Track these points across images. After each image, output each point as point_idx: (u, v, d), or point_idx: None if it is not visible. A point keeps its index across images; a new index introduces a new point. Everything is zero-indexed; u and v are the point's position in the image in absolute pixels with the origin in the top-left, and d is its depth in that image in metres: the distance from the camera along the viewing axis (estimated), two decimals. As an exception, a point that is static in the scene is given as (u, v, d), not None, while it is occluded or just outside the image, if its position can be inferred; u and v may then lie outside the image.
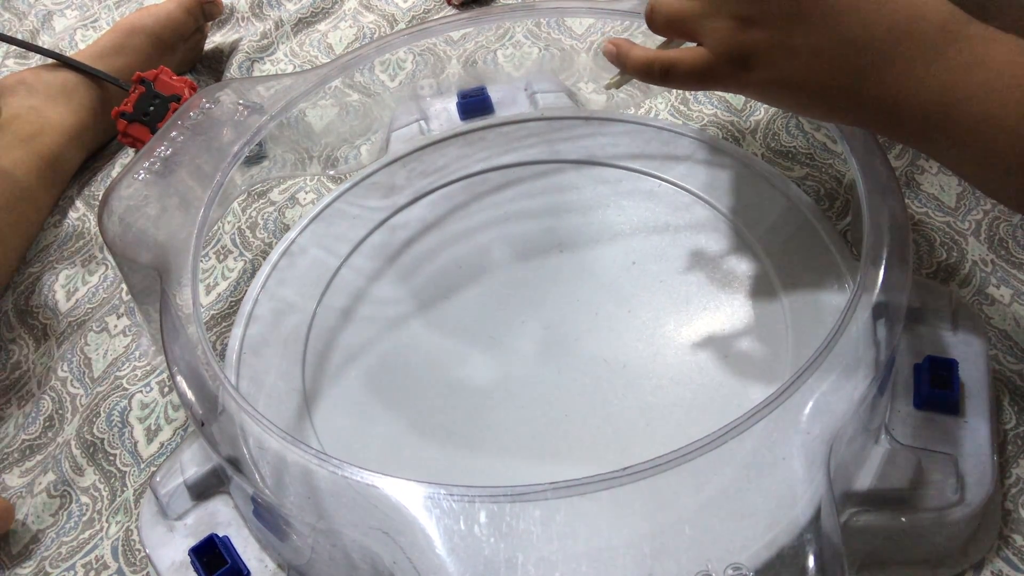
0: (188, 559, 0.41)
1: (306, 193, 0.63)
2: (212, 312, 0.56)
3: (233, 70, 0.75)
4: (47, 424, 0.53)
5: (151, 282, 0.46)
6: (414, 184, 0.59)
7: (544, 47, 0.70)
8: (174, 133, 0.52)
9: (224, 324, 0.55)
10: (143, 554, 0.45)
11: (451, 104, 0.63)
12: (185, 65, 0.76)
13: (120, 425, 0.51)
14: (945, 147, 0.39)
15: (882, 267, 0.41)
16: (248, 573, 0.41)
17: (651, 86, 0.65)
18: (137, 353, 0.55)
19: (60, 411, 0.53)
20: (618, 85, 0.50)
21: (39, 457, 0.51)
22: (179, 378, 0.41)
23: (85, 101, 0.69)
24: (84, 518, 0.48)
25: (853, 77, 0.39)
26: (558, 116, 0.62)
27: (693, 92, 0.64)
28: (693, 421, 0.45)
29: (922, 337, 0.46)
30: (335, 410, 0.48)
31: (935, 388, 0.42)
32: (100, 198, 0.55)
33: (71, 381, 0.54)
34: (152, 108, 0.67)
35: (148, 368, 0.54)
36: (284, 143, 0.61)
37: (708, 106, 0.63)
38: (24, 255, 0.63)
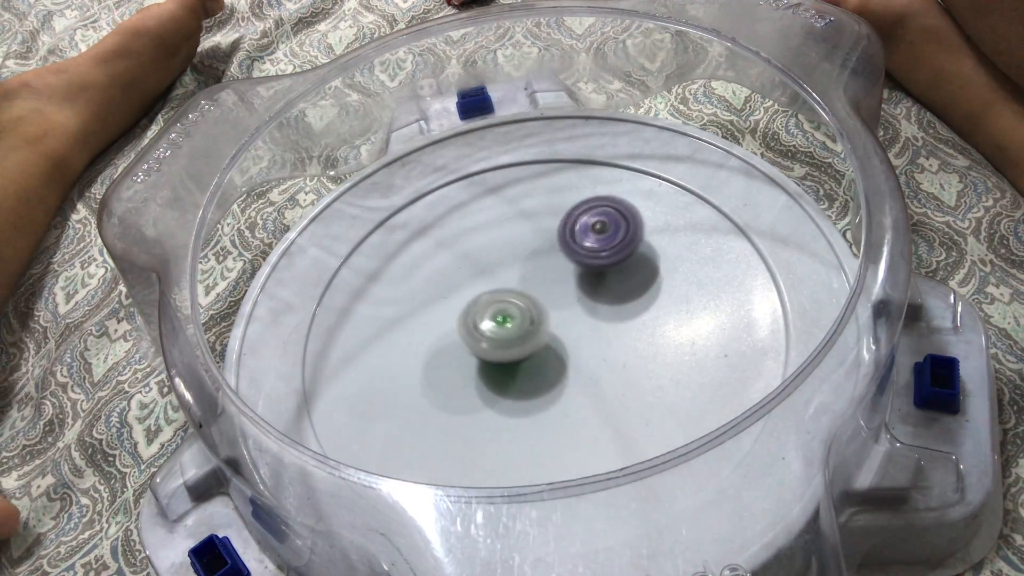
0: (188, 560, 0.41)
1: (306, 193, 0.63)
2: (211, 312, 0.56)
3: (233, 70, 0.76)
4: (47, 429, 0.53)
5: (150, 284, 0.46)
6: (414, 184, 0.59)
7: (544, 47, 0.70)
8: (173, 135, 0.52)
9: (223, 325, 0.55)
10: (143, 554, 0.45)
11: (451, 104, 0.63)
12: (183, 64, 0.76)
13: (119, 426, 0.51)
14: None
15: (881, 265, 0.41)
16: (248, 574, 0.41)
17: (650, 85, 0.65)
18: (137, 356, 0.55)
19: (60, 416, 0.53)
20: None
21: (38, 461, 0.51)
22: (177, 380, 0.41)
23: (90, 104, 0.69)
24: (84, 519, 0.48)
25: None
26: (558, 116, 0.62)
27: (693, 92, 0.64)
28: (693, 421, 0.45)
29: (923, 336, 0.46)
30: (334, 411, 0.48)
31: (936, 387, 0.42)
32: (100, 200, 0.55)
33: (71, 386, 0.54)
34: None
35: (148, 369, 0.54)
36: (284, 143, 0.61)
37: (708, 106, 0.63)
38: (31, 257, 0.63)
